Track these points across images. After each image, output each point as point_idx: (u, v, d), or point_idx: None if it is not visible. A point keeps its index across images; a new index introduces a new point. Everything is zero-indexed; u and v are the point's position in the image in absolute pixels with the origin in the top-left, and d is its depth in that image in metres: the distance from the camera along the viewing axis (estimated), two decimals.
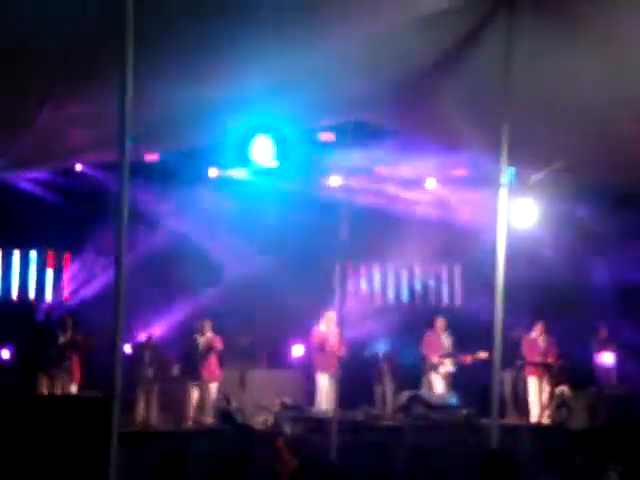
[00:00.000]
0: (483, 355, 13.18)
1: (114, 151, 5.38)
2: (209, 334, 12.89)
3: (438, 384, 13.54)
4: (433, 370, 13.59)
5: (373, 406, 13.34)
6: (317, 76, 8.24)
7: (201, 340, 12.80)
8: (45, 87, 6.88)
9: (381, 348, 13.73)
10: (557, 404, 13.36)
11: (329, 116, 10.89)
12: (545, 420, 13.22)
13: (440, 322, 13.94)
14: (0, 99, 7.16)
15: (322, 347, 13.18)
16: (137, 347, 12.31)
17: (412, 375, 13.71)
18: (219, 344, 12.80)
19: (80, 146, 9.11)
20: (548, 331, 13.74)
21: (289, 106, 9.27)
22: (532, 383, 13.53)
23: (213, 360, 12.81)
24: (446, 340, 13.80)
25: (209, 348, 12.71)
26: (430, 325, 13.98)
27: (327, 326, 13.32)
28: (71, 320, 12.66)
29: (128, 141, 5.28)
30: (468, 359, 13.59)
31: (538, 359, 13.53)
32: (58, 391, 11.96)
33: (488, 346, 10.22)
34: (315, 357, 13.37)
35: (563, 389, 13.43)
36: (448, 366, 13.62)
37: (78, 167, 13.70)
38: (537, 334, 13.69)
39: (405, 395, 13.10)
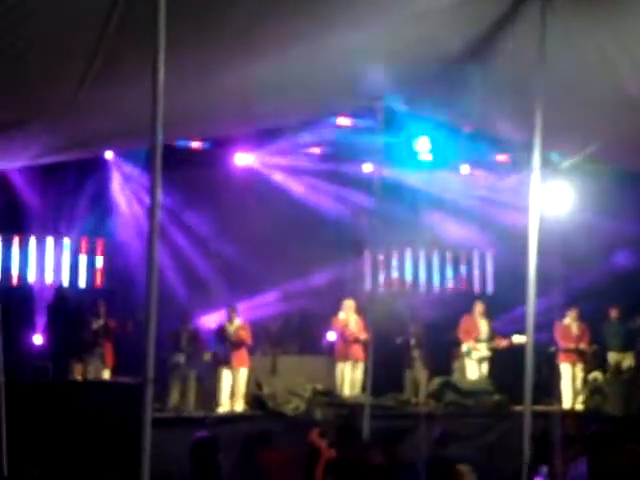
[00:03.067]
0: (519, 339, 13.06)
1: (146, 139, 5.37)
2: (237, 321, 12.80)
3: (471, 370, 13.47)
4: (467, 355, 13.53)
5: (400, 392, 13.31)
6: (344, 62, 8.19)
7: (230, 327, 12.72)
8: (78, 74, 6.90)
9: None
10: (590, 390, 13.27)
11: (358, 101, 10.83)
12: (578, 406, 13.12)
13: (479, 307, 13.87)
14: (35, 87, 7.19)
15: (342, 335, 13.21)
16: (173, 333, 12.27)
17: (444, 361, 13.65)
18: (244, 332, 12.67)
19: (111, 134, 9.14)
20: (581, 317, 13.63)
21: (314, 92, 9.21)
22: (565, 369, 13.42)
23: (243, 346, 12.69)
24: (483, 325, 13.72)
25: (239, 335, 12.62)
26: (468, 310, 13.92)
27: (346, 314, 13.34)
28: (104, 306, 12.71)
29: (160, 128, 5.26)
30: (504, 343, 13.47)
31: (572, 345, 13.42)
32: (90, 377, 12.08)
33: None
34: (336, 346, 13.38)
35: (596, 375, 13.33)
36: (483, 351, 13.54)
37: (108, 155, 13.78)
38: (571, 320, 13.58)
39: (436, 381, 13.06)
